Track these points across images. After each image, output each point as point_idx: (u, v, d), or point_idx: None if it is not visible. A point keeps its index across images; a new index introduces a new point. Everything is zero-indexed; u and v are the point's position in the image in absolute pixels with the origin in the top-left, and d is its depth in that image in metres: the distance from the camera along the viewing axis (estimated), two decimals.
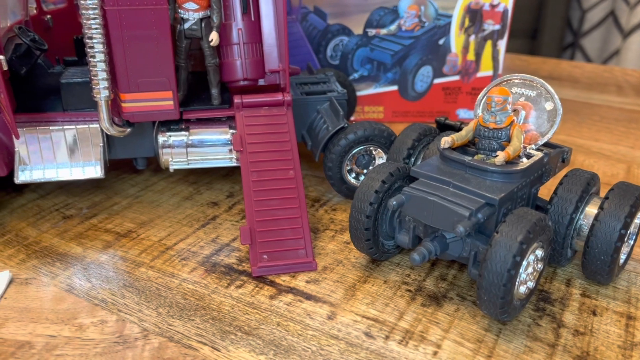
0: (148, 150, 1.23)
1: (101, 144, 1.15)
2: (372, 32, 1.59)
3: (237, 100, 1.14)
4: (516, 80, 1.06)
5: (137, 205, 1.21)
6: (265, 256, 1.02)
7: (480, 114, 1.07)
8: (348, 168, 1.21)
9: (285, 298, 0.94)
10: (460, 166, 0.94)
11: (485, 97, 1.02)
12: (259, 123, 1.15)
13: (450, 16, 1.57)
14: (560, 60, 2.52)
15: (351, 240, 1.00)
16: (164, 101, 1.11)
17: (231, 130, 1.17)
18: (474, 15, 1.58)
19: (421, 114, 1.69)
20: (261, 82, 1.21)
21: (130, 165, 1.37)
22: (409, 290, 0.96)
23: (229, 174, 1.34)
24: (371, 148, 1.20)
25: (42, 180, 1.12)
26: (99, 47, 1.02)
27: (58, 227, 1.13)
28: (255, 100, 1.15)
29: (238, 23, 1.16)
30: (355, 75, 1.64)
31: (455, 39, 1.60)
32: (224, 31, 1.14)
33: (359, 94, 1.66)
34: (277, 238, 1.04)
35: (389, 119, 1.69)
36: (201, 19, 1.10)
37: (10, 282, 0.97)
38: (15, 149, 1.12)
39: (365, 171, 1.22)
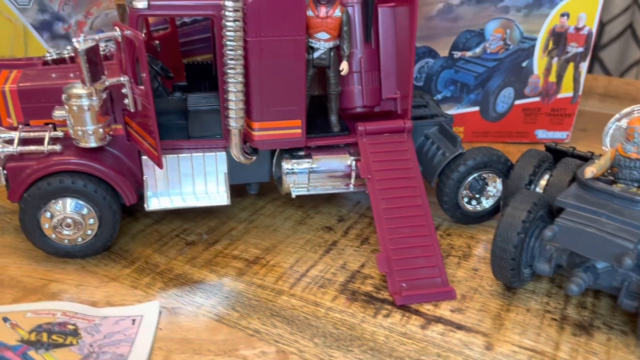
0: (264, 176, 1.23)
1: (226, 171, 1.16)
2: (457, 54, 1.61)
3: (360, 127, 1.16)
4: None
5: (255, 231, 1.22)
6: (403, 284, 1.04)
7: (608, 143, 1.09)
8: (464, 194, 1.22)
9: (436, 328, 0.95)
10: (607, 197, 0.96)
11: (625, 128, 1.03)
12: (382, 150, 1.16)
13: (534, 39, 1.60)
14: (611, 77, 2.55)
15: (492, 269, 1.02)
16: (293, 129, 1.12)
17: (352, 157, 1.19)
18: (559, 38, 1.60)
19: (500, 134, 1.71)
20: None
21: (234, 189, 1.38)
22: (555, 319, 0.97)
23: (331, 197, 1.35)
24: (487, 174, 1.21)
25: (171, 208, 1.13)
26: (239, 77, 1.03)
27: (185, 253, 1.14)
28: (378, 127, 1.17)
29: (360, 51, 1.17)
30: (439, 97, 1.65)
31: (539, 61, 1.62)
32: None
33: None
34: (412, 266, 1.06)
35: (469, 139, 1.71)
36: (330, 49, 1.11)
37: (160, 312, 0.98)
38: (144, 177, 1.13)
39: (478, 196, 1.23)
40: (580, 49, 1.61)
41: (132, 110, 1.03)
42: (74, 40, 0.94)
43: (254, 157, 1.14)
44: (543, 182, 1.16)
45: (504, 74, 1.64)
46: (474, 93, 1.66)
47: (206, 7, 1.03)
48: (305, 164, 1.17)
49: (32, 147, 1.05)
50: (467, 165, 1.19)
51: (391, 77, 1.21)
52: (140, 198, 1.13)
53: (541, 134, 1.72)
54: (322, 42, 1.10)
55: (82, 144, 1.05)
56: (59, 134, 1.07)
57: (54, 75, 1.11)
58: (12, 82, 1.06)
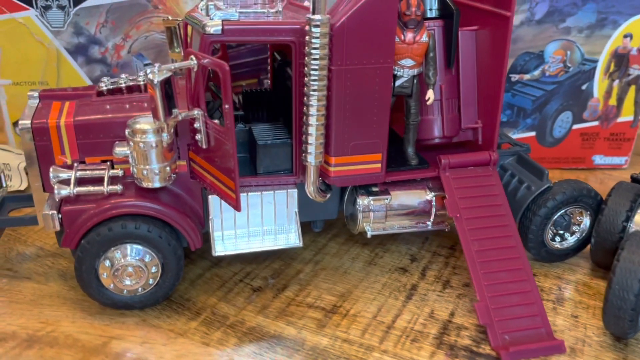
0: (332, 213, 1.13)
1: (296, 209, 1.06)
2: (515, 77, 1.53)
3: (444, 160, 1.06)
4: None
5: (324, 273, 1.12)
6: (506, 337, 0.94)
7: None
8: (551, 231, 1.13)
9: None
10: None
11: None
12: (468, 185, 1.06)
13: (596, 61, 1.52)
14: None
15: (605, 320, 0.92)
16: (373, 164, 1.02)
17: (432, 193, 1.09)
18: (620, 60, 1.52)
19: (557, 160, 1.62)
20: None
21: None
22: None
23: (397, 234, 1.25)
24: (574, 209, 1.12)
25: (242, 252, 1.02)
26: (322, 110, 0.93)
27: (254, 302, 1.03)
28: (463, 159, 1.07)
29: (440, 78, 1.08)
30: None
31: (599, 84, 1.55)
32: (425, 87, 1.06)
33: None
34: (513, 316, 0.96)
35: None
36: (414, 76, 1.02)
37: None
38: (211, 217, 1.02)
39: (562, 232, 1.14)
40: None
41: (205, 147, 0.93)
42: (148, 70, 0.84)
43: (329, 194, 1.04)
44: (639, 218, 1.07)
45: (563, 97, 1.56)
46: (530, 117, 1.58)
47: (286, 32, 0.93)
48: (382, 201, 1.07)
49: (91, 188, 0.94)
50: (556, 200, 1.10)
51: (471, 105, 1.12)
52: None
53: (598, 159, 1.64)
54: (406, 70, 1.01)
55: (145, 184, 0.94)
56: (119, 172, 0.96)
57: (108, 107, 1.00)
58: (67, 116, 0.96)
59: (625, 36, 1.51)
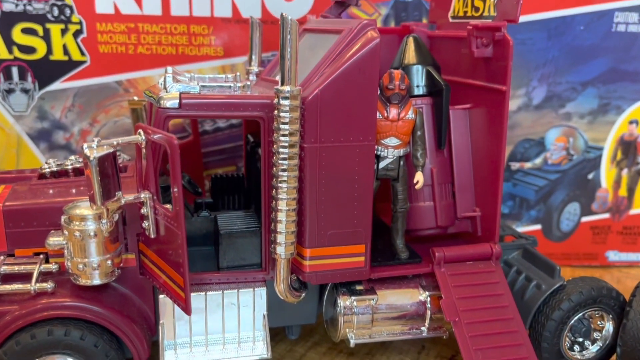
0: (309, 317, 0.97)
1: (265, 312, 0.89)
2: (515, 165, 1.42)
3: (438, 253, 0.92)
4: None
5: None
6: None
7: None
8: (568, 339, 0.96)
9: None
10: None
11: None
12: (467, 283, 0.91)
13: (601, 148, 1.42)
14: None
15: None
16: (355, 257, 0.88)
17: (426, 292, 0.93)
18: (627, 148, 1.42)
19: (567, 256, 1.47)
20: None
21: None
22: None
23: (386, 341, 1.08)
24: (593, 312, 0.96)
25: None
26: (293, 193, 0.80)
27: None
28: (460, 253, 0.93)
29: (430, 160, 0.96)
30: None
31: (606, 173, 1.43)
32: (413, 170, 0.94)
33: None
34: None
35: None
36: (400, 157, 0.90)
37: None
38: (161, 321, 0.86)
39: (581, 340, 0.97)
40: None
41: (153, 236, 0.79)
42: (84, 145, 0.71)
43: (303, 294, 0.89)
44: None
45: (568, 187, 1.43)
46: (534, 209, 1.44)
47: (253, 107, 0.82)
48: (368, 302, 0.91)
49: (15, 286, 0.79)
50: (571, 301, 0.93)
51: (467, 191, 0.99)
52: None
53: (613, 255, 1.48)
54: (391, 150, 0.89)
55: (83, 281, 0.79)
56: (53, 267, 0.81)
57: (51, 191, 0.88)
58: None
59: (630, 122, 1.41)
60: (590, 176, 1.43)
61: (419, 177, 0.90)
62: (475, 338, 0.85)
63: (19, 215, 0.82)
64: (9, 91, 1.26)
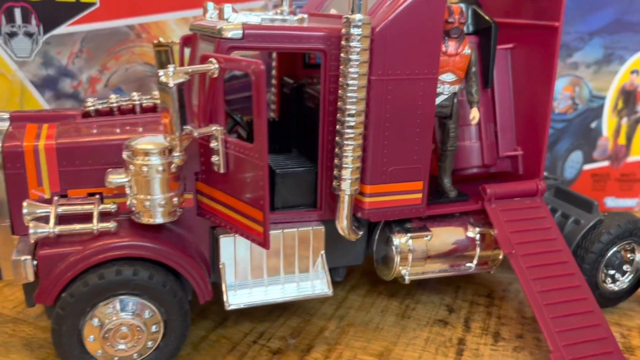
0: (357, 258, 0.97)
1: (323, 252, 0.89)
2: None
3: (489, 190, 0.93)
4: None
5: (353, 330, 0.93)
6: None
7: None
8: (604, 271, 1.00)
9: None
10: None
11: None
12: (518, 218, 0.93)
13: (603, 98, 1.46)
14: None
15: None
16: (413, 194, 0.88)
17: (476, 229, 0.95)
18: (628, 97, 1.47)
19: None
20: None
21: None
22: None
23: (424, 282, 1.08)
24: (629, 245, 1.00)
25: (260, 304, 0.83)
26: (361, 127, 0.79)
27: None
28: (509, 190, 0.94)
29: None
30: None
31: (608, 122, 1.48)
32: (461, 109, 0.94)
33: None
34: None
35: None
36: (454, 94, 0.90)
37: None
38: (221, 263, 0.83)
39: (616, 274, 1.01)
40: None
41: (222, 171, 0.76)
42: (160, 72, 0.67)
43: (361, 231, 0.88)
44: None
45: (573, 136, 1.48)
46: None
47: (316, 39, 0.80)
48: (423, 239, 0.92)
49: (77, 226, 0.74)
50: (610, 234, 0.97)
51: (508, 131, 1.00)
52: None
53: (610, 202, 1.55)
54: (447, 86, 0.89)
55: (145, 219, 0.75)
56: (112, 207, 0.77)
57: (95, 130, 0.83)
58: (48, 139, 0.77)
59: (632, 72, 1.46)
60: (593, 125, 1.48)
61: (475, 114, 0.91)
62: (532, 269, 0.87)
63: (74, 153, 0.77)
64: (12, 35, 1.18)
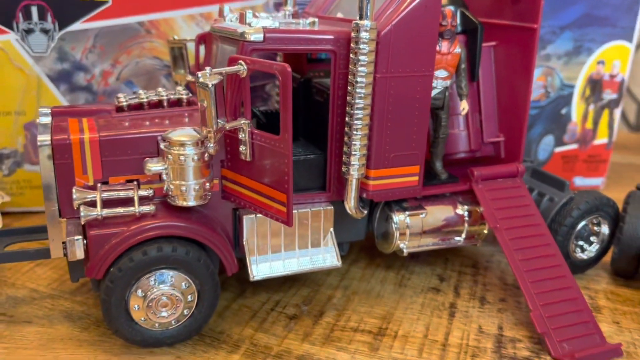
0: (359, 234, 1.09)
1: (332, 229, 1.00)
2: None
3: (476, 172, 1.05)
4: None
5: (357, 298, 1.05)
6: (565, 345, 0.91)
7: None
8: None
9: None
10: None
11: None
12: (501, 196, 1.06)
13: (573, 86, 1.60)
14: None
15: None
16: (410, 177, 0.99)
17: (465, 207, 1.07)
18: (595, 85, 1.61)
19: None
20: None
21: None
22: None
23: (416, 255, 1.22)
24: (596, 219, 1.14)
25: (281, 275, 0.95)
26: (367, 119, 0.90)
27: (293, 330, 0.95)
28: (493, 171, 1.07)
29: None
30: None
31: (577, 108, 1.62)
32: (451, 100, 1.06)
33: None
34: (566, 323, 0.94)
35: None
36: (446, 88, 1.02)
37: None
38: (245, 239, 0.94)
39: (584, 245, 1.15)
40: (615, 96, 1.63)
41: (249, 159, 0.87)
42: (199, 74, 0.77)
43: (366, 211, 1.00)
44: None
45: (545, 121, 1.62)
46: None
47: (328, 41, 0.90)
48: (419, 217, 1.04)
49: (121, 209, 0.84)
50: (580, 210, 1.11)
51: (492, 119, 1.13)
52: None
53: (578, 181, 1.70)
54: (440, 81, 1.01)
55: (180, 202, 0.86)
56: (148, 192, 0.87)
57: (129, 123, 0.92)
58: (91, 132, 0.86)
59: (598, 62, 1.60)
60: (563, 111, 1.62)
61: (464, 105, 1.03)
62: (514, 240, 1.00)
63: (115, 145, 0.86)
64: (28, 31, 1.25)
